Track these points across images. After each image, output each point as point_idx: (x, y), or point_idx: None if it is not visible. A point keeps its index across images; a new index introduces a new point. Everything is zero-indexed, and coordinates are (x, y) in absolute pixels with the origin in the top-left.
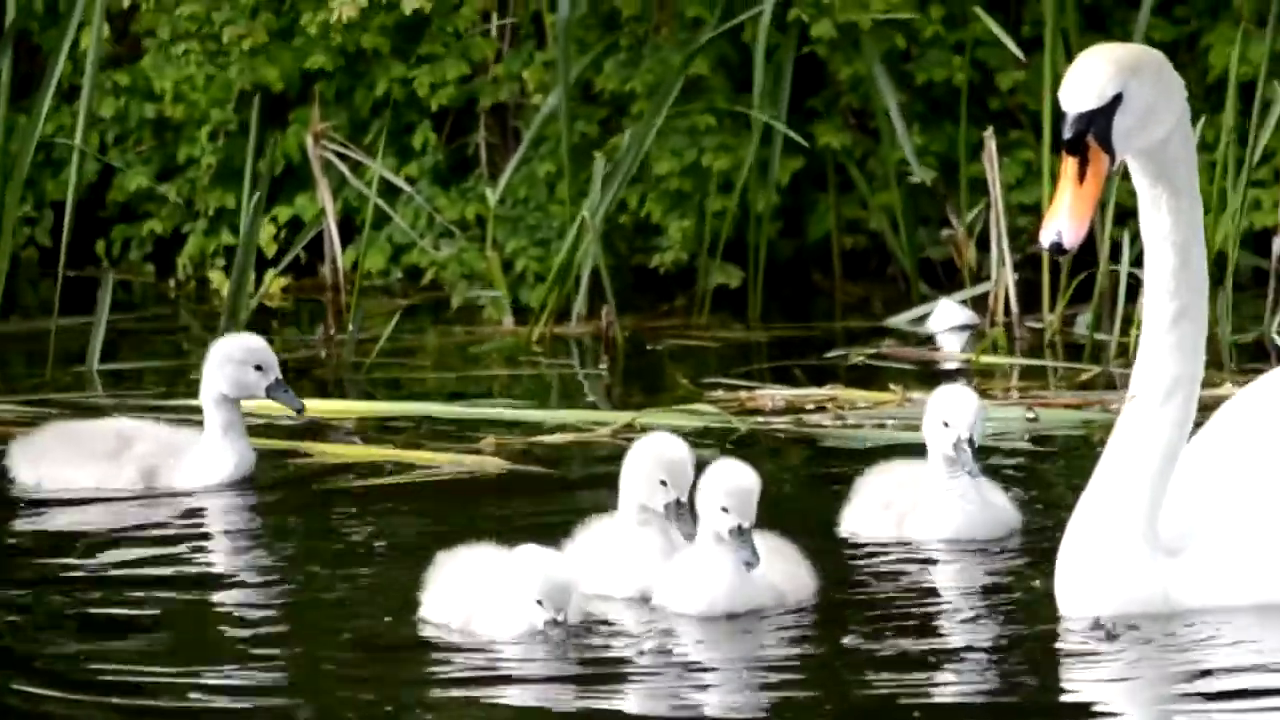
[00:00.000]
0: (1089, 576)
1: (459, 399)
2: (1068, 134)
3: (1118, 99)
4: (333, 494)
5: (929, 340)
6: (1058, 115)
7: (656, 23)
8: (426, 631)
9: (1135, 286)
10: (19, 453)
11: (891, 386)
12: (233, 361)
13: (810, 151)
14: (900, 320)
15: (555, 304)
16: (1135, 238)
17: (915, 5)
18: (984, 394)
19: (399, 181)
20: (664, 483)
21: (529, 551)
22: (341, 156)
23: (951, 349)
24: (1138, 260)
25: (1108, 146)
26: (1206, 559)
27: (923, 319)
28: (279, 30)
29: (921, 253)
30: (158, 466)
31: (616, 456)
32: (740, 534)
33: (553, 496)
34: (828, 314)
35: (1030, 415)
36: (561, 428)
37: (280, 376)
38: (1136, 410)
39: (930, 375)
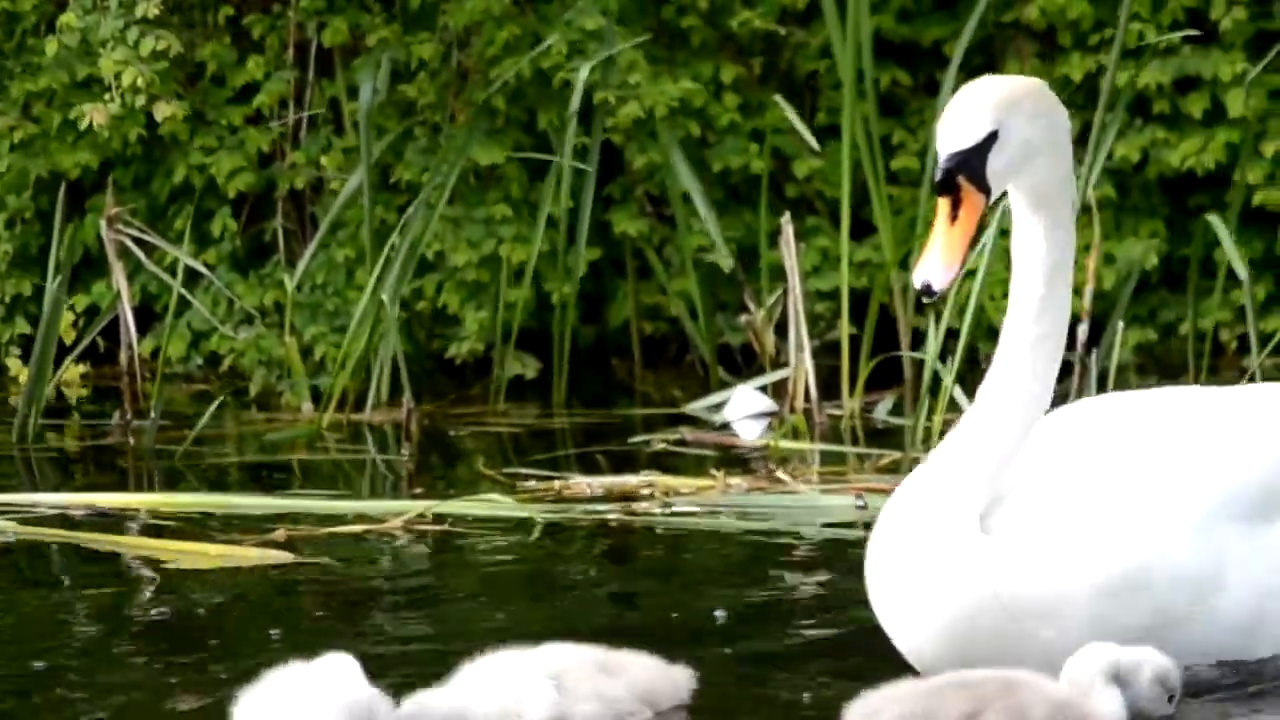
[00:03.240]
0: (912, 555)
1: (256, 486)
2: (938, 175)
3: (992, 136)
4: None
5: (726, 427)
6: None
7: (452, 111)
8: None
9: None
10: None
11: (713, 473)
12: None
13: (609, 238)
14: (698, 407)
15: (354, 391)
16: (944, 326)
17: (710, 93)
18: (799, 479)
19: (198, 266)
20: None
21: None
22: (139, 242)
23: (750, 436)
24: (942, 355)
25: (982, 185)
26: (1035, 541)
27: (720, 406)
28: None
29: (720, 339)
30: None
31: (406, 550)
32: None
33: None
34: (628, 401)
35: (859, 503)
36: (357, 518)
37: None
38: (978, 416)
39: (733, 461)
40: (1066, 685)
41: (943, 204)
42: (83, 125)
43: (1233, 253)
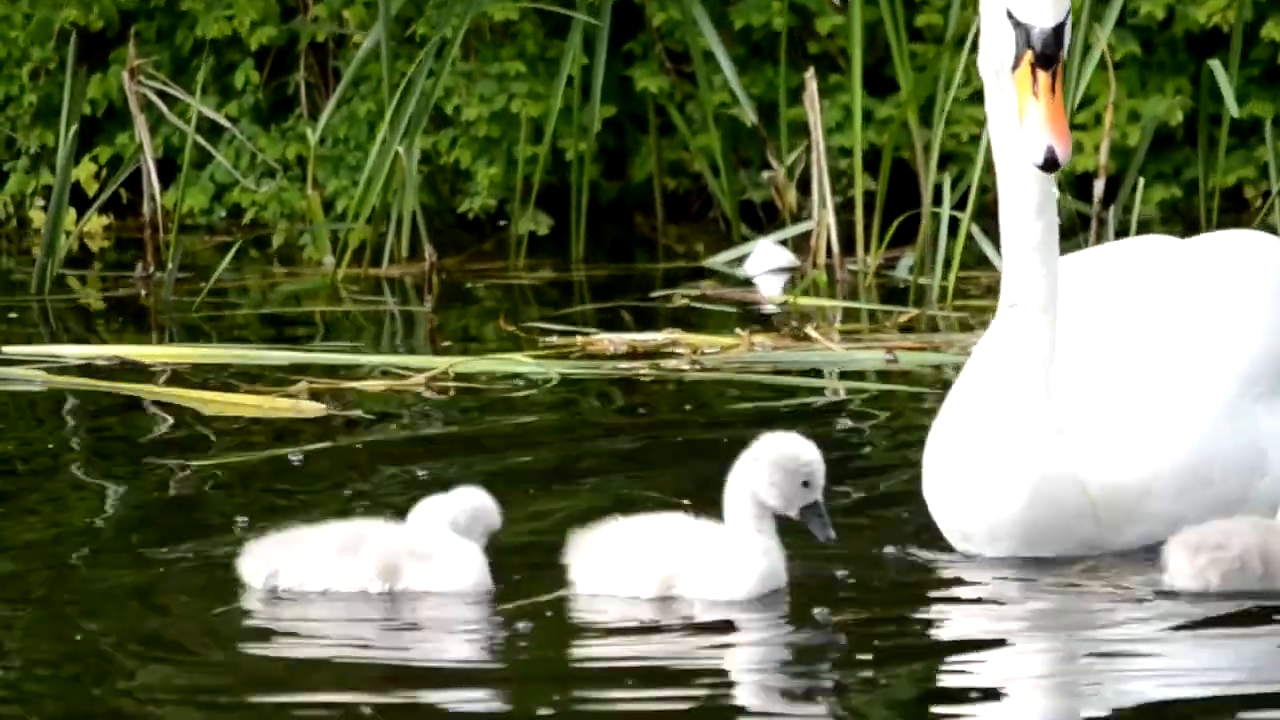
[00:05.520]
0: (997, 465)
1: (277, 340)
2: (1052, 48)
3: (1069, 12)
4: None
5: (748, 282)
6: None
7: None
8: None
9: (956, 229)
10: None
11: (738, 331)
12: None
13: (630, 94)
14: (719, 261)
15: (372, 244)
16: (956, 181)
17: None
18: (825, 336)
19: (220, 119)
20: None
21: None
22: (162, 95)
23: (771, 291)
24: (959, 203)
25: (1063, 57)
26: (1109, 433)
27: (742, 260)
28: None
29: (742, 195)
30: None
31: (430, 409)
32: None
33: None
34: (649, 256)
35: (889, 358)
36: (378, 373)
37: None
38: (1015, 316)
39: (754, 317)
40: None
41: (1045, 77)
42: None
43: (1230, 100)
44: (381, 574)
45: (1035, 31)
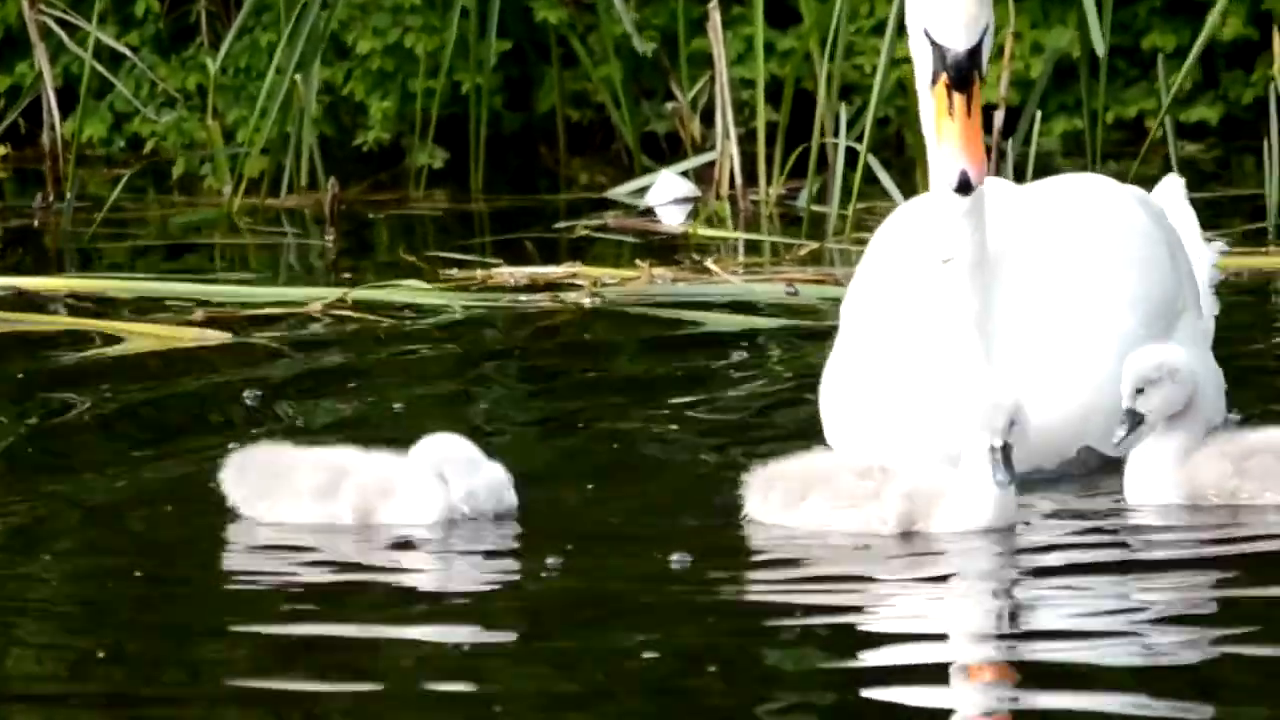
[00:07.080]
0: (926, 419)
1: (176, 270)
2: (962, 70)
3: (987, 27)
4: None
5: (649, 213)
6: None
7: None
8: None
9: (853, 160)
10: None
11: (638, 263)
12: None
13: (531, 25)
14: (621, 192)
15: (270, 174)
16: (858, 113)
17: None
18: (726, 269)
19: (121, 48)
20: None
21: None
22: (63, 23)
23: (672, 221)
24: (861, 136)
25: (983, 74)
26: (1046, 373)
27: (644, 191)
28: None
29: (645, 126)
30: None
31: (327, 334)
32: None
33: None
34: (551, 187)
35: (790, 290)
36: (277, 303)
37: None
38: (951, 273)
39: (655, 249)
40: None
41: (960, 100)
42: None
43: (1095, 35)
44: (355, 512)
45: (950, 55)
